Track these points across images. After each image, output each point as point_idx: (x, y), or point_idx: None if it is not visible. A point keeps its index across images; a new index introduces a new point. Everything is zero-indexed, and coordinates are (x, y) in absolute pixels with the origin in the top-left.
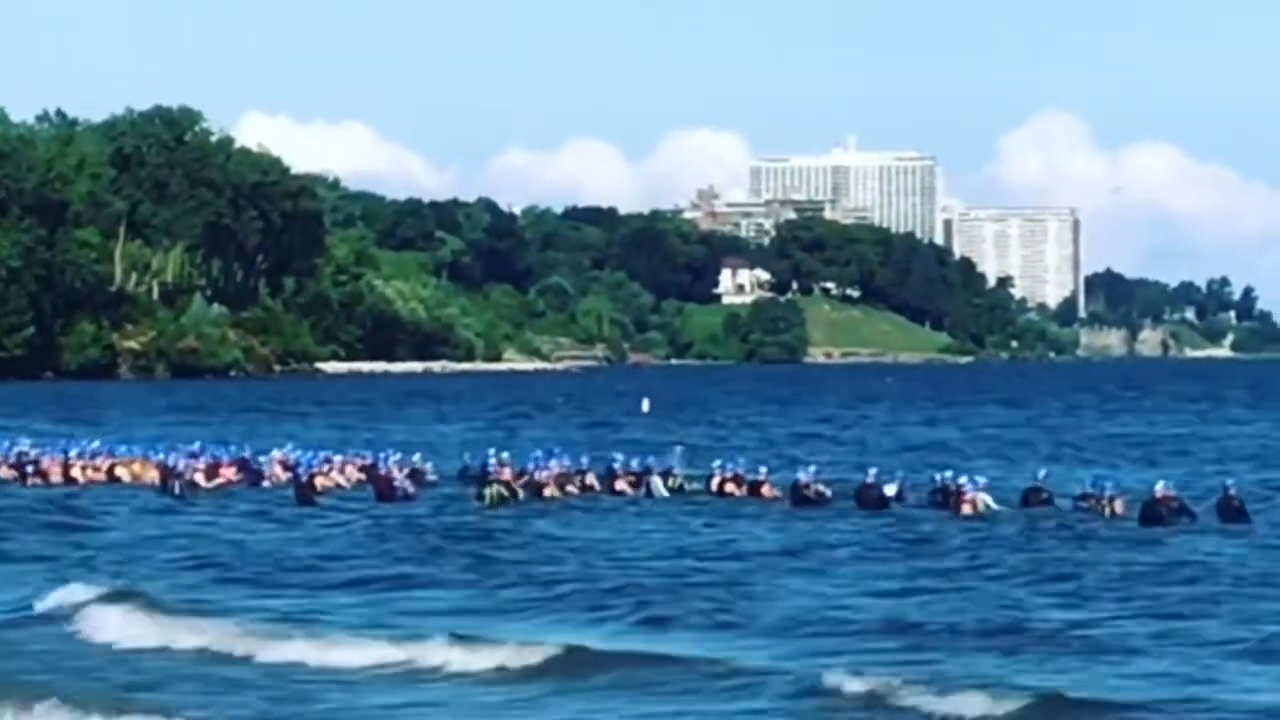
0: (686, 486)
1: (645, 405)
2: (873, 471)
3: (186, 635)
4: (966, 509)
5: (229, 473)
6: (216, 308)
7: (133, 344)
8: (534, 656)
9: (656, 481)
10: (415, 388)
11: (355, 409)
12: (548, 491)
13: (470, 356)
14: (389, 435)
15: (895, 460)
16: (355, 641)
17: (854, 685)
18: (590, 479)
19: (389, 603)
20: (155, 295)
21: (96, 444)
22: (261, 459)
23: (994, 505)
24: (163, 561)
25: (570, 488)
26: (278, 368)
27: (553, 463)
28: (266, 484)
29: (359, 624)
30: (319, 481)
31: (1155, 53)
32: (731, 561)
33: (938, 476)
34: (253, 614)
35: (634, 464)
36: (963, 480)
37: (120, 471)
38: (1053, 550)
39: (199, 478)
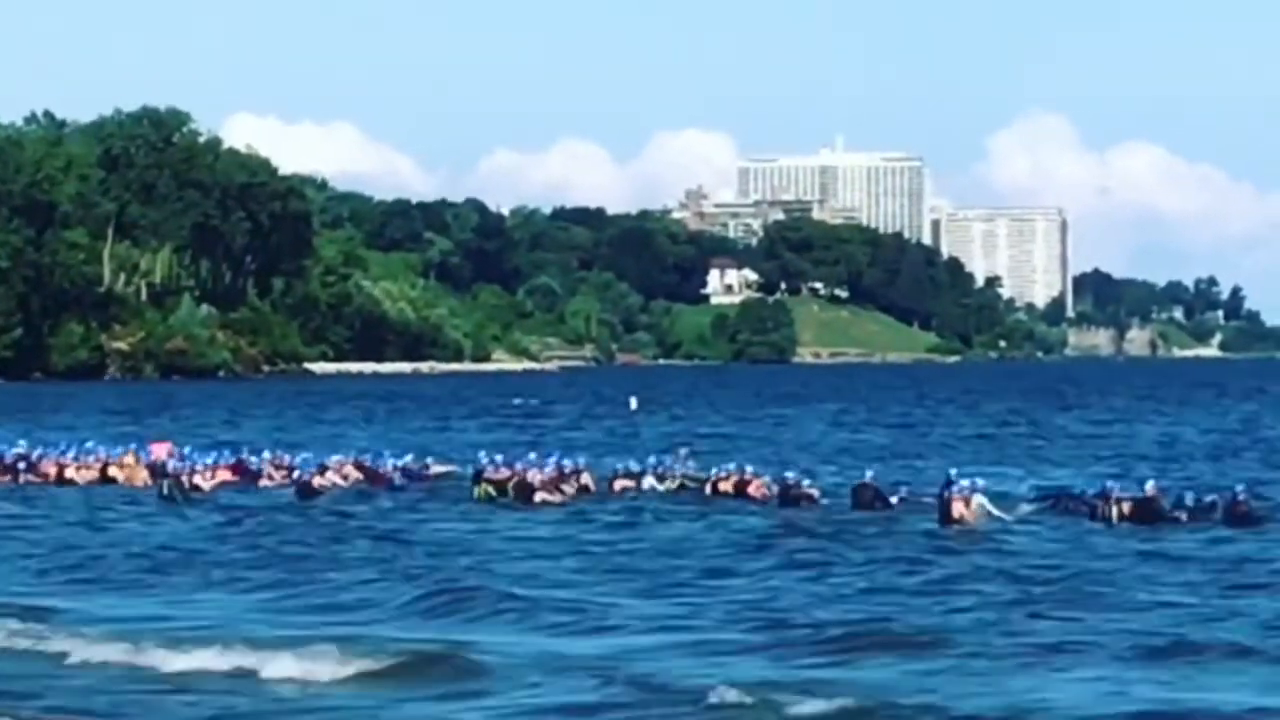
0: (688, 485)
1: (633, 403)
2: (869, 474)
3: (54, 641)
4: (958, 507)
5: (225, 474)
6: (205, 308)
7: (121, 345)
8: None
9: (650, 481)
10: (371, 389)
11: (276, 411)
12: (538, 496)
13: (459, 357)
14: (295, 438)
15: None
16: (178, 646)
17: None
18: (586, 479)
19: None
20: (143, 296)
21: (90, 444)
22: (254, 460)
23: (993, 510)
24: (66, 564)
25: (567, 487)
26: (266, 368)
27: (550, 463)
28: (266, 482)
29: (205, 626)
30: (316, 481)
31: (1142, 53)
32: (619, 558)
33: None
34: (109, 620)
35: (634, 466)
36: (964, 482)
37: (113, 472)
38: (988, 558)
39: (199, 479)
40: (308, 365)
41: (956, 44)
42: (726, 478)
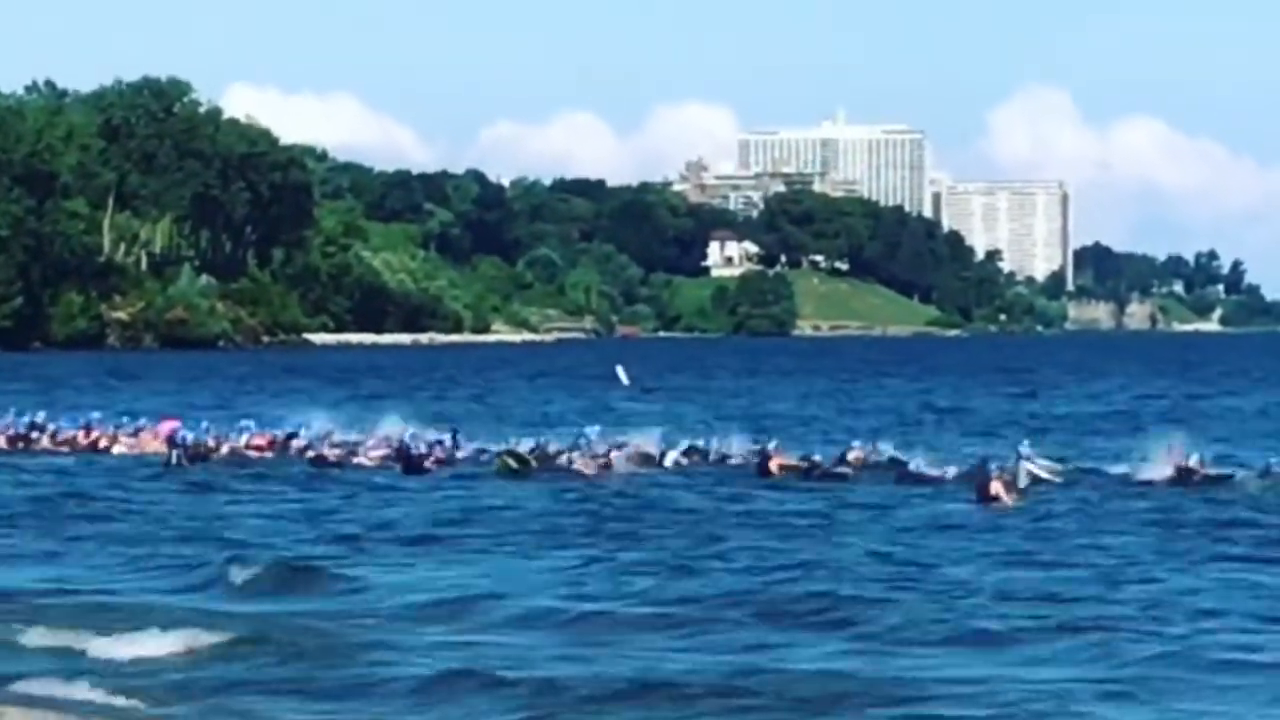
0: (729, 461)
1: (622, 377)
2: (913, 464)
3: None
4: (996, 487)
5: (258, 442)
6: (205, 279)
7: (121, 314)
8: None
9: (672, 455)
10: (354, 361)
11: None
12: (578, 465)
13: (459, 328)
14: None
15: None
16: None
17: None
18: (607, 454)
19: None
20: (144, 266)
21: (97, 415)
22: (276, 434)
23: (1043, 474)
24: None
25: (592, 462)
26: (266, 339)
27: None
28: (292, 453)
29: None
30: (336, 455)
31: (1142, 28)
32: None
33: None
34: None
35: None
36: (1026, 451)
37: (130, 442)
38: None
39: (224, 449)
40: (308, 336)
41: (957, 17)
42: (740, 454)
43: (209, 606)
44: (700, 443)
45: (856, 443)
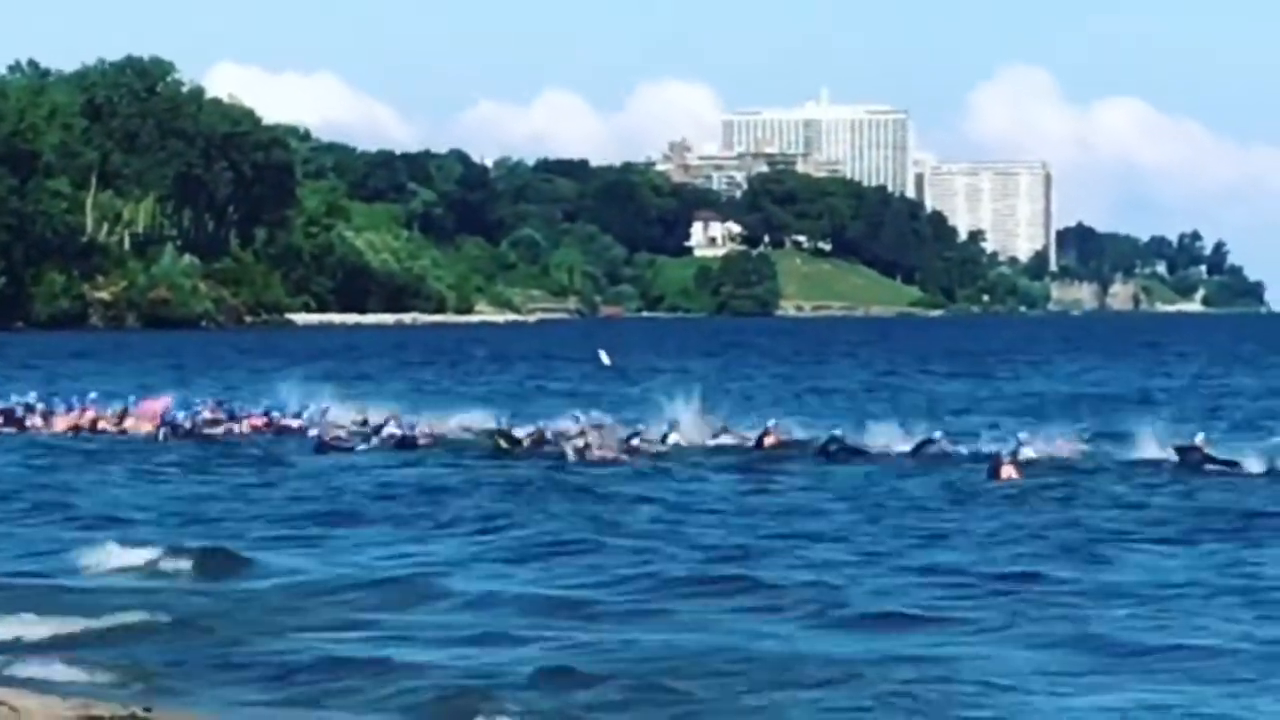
0: (728, 443)
1: (605, 359)
2: (938, 434)
3: None
4: (1007, 470)
5: (257, 422)
6: (187, 258)
7: (103, 294)
8: None
9: (675, 438)
10: (333, 342)
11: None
12: (571, 448)
13: (442, 308)
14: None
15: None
16: None
17: None
18: (607, 437)
19: None
20: (126, 245)
21: (93, 395)
22: (276, 414)
23: (1039, 458)
24: None
25: (588, 442)
26: (249, 319)
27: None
28: (292, 424)
29: None
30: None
31: (1122, 7)
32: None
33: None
34: None
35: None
36: (1024, 435)
37: (128, 422)
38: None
39: (219, 429)
40: (290, 316)
41: None
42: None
43: (105, 586)
44: (699, 424)
45: (874, 423)
